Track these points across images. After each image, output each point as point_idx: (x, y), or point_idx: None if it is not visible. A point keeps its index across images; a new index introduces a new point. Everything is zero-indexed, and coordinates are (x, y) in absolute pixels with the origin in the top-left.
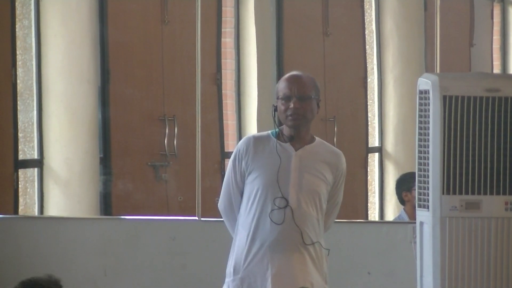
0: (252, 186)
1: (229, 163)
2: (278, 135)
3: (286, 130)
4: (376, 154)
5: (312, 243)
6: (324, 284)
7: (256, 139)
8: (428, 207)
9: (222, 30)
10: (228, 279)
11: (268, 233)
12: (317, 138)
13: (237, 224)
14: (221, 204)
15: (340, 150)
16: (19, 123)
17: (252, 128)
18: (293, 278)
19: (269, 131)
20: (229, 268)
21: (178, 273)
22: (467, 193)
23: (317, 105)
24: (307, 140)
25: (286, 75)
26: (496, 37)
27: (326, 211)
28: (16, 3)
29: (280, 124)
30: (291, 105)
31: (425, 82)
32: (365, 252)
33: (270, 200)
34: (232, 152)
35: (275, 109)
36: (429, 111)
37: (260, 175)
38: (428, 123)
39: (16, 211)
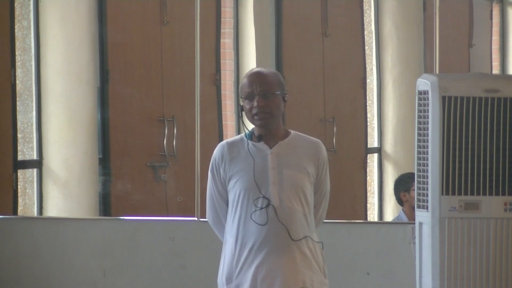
0: (234, 192)
1: (208, 174)
2: (252, 136)
3: (255, 129)
4: (375, 155)
5: (301, 238)
6: (323, 279)
7: (229, 145)
8: (427, 208)
9: (221, 31)
10: None
11: (254, 236)
12: (292, 132)
13: (225, 233)
14: (208, 216)
15: (318, 139)
16: (18, 124)
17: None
18: (283, 280)
19: (242, 134)
20: (221, 278)
21: (177, 273)
22: (466, 193)
23: (283, 99)
24: (280, 136)
25: (248, 73)
26: (495, 38)
27: (314, 203)
28: (15, 4)
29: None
30: (255, 104)
31: (424, 83)
32: (364, 252)
33: (252, 202)
34: None
35: (242, 109)
36: (428, 111)
37: (239, 179)
38: (427, 123)
39: (15, 211)
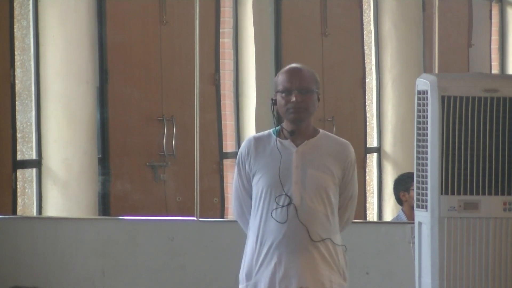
0: (257, 188)
1: (235, 168)
2: (279, 133)
3: (286, 125)
4: (375, 155)
5: (321, 240)
6: (342, 281)
7: (256, 140)
8: (426, 208)
9: (221, 30)
10: (241, 286)
11: (273, 234)
12: (321, 131)
13: (249, 228)
14: (234, 211)
15: (347, 141)
16: (18, 124)
17: (250, 129)
18: (301, 280)
19: (271, 130)
20: (241, 275)
21: (177, 273)
22: (465, 193)
23: (317, 98)
24: (308, 134)
25: (286, 68)
26: (495, 38)
27: (340, 205)
28: (15, 4)
29: (279, 118)
30: (293, 98)
31: (423, 83)
32: (363, 252)
33: (274, 199)
34: (230, 152)
35: (274, 103)
36: (427, 111)
37: (263, 175)
38: (427, 123)
39: (14, 211)
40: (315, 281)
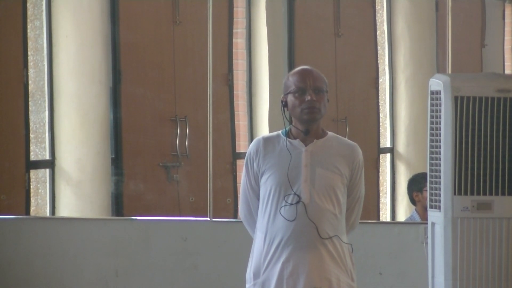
0: (266, 187)
1: (243, 168)
2: (288, 133)
3: (298, 125)
4: (388, 155)
5: (330, 237)
6: (350, 281)
7: (265, 140)
8: (439, 208)
9: (234, 30)
10: (249, 285)
11: (282, 231)
12: (329, 133)
13: (256, 228)
14: (241, 211)
15: (355, 143)
16: (31, 124)
17: (263, 129)
18: (308, 278)
19: (280, 131)
20: (249, 274)
21: (190, 273)
22: (478, 193)
23: (327, 99)
24: (318, 135)
25: (297, 69)
26: (508, 38)
27: (347, 207)
28: (28, 4)
29: (290, 119)
30: (308, 98)
31: (436, 83)
32: (376, 252)
33: (283, 198)
34: (244, 152)
35: (285, 105)
36: (440, 111)
37: (272, 174)
38: (440, 123)
39: (27, 211)
40: (322, 278)
